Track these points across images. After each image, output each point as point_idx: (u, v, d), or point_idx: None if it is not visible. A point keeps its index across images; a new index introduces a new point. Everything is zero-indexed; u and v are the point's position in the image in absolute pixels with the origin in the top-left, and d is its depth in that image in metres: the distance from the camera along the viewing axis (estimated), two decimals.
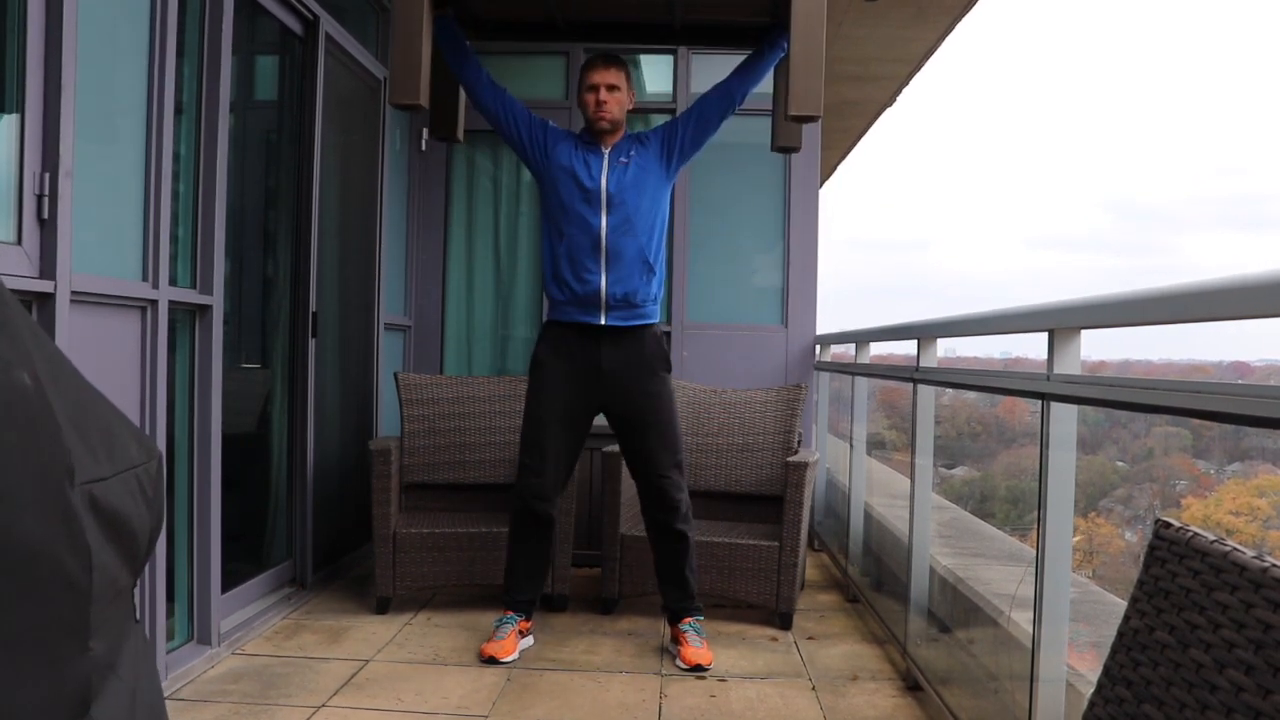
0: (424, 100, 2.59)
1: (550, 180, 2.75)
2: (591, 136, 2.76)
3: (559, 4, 2.96)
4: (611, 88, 2.72)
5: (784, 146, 2.98)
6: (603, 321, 2.71)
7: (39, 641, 0.62)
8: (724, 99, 2.76)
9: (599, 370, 2.74)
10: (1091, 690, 0.99)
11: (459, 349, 4.32)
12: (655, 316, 2.80)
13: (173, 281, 2.38)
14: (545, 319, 2.90)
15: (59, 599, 0.64)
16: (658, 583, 2.86)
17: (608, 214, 2.69)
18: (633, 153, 2.75)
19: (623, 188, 2.70)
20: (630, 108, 2.80)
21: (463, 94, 2.99)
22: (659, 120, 4.24)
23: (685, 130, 2.76)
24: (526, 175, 4.29)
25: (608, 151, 2.75)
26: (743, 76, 2.77)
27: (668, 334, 4.08)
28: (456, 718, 2.27)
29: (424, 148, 4.27)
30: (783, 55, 2.73)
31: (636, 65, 4.29)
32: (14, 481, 0.59)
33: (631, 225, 2.70)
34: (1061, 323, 1.66)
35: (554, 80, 4.26)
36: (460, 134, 3.06)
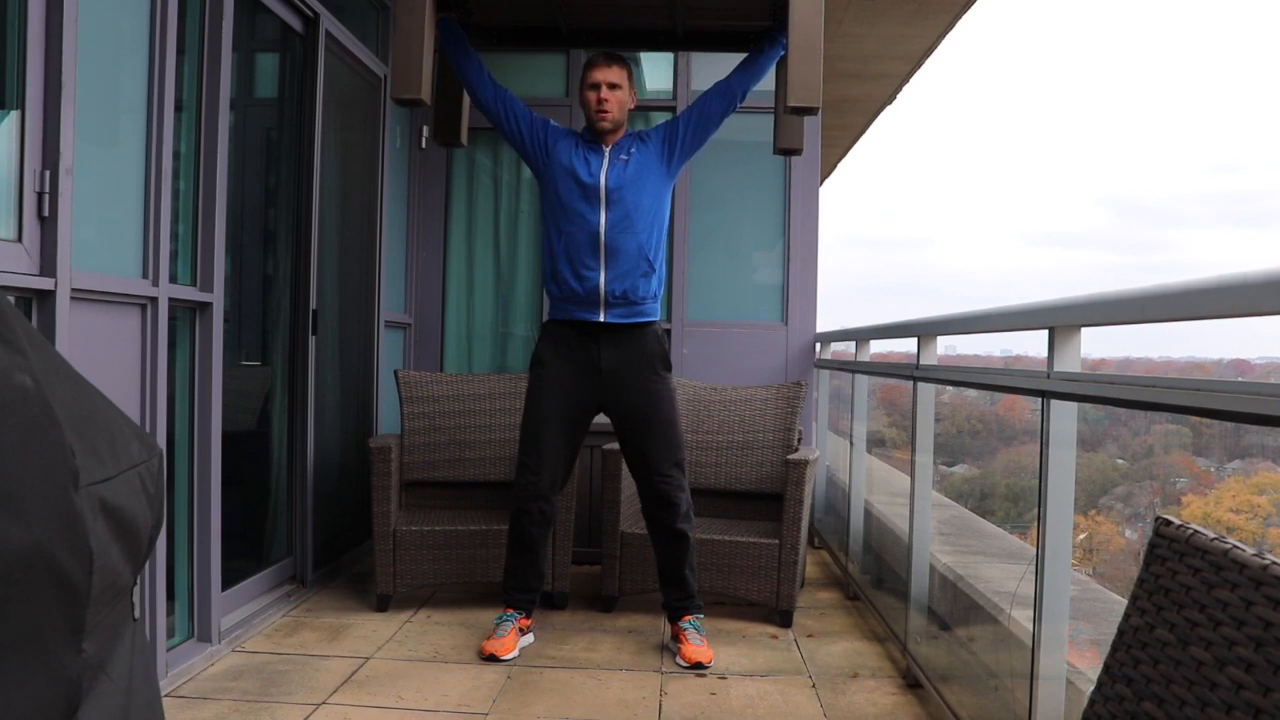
0: (425, 94, 2.59)
1: (550, 178, 2.75)
2: (593, 135, 2.76)
3: (561, 10, 2.95)
4: (613, 86, 2.71)
5: (786, 149, 2.97)
6: (602, 319, 2.71)
7: (32, 644, 0.62)
8: (725, 96, 2.76)
9: (598, 369, 2.74)
10: (1092, 688, 0.99)
11: (459, 347, 4.32)
12: (655, 314, 2.80)
13: (173, 279, 2.38)
14: (545, 318, 2.90)
15: (56, 602, 0.64)
16: (658, 581, 2.86)
17: (607, 210, 2.69)
18: (633, 150, 2.75)
19: (622, 184, 2.70)
20: (632, 106, 2.80)
21: (467, 99, 2.99)
22: (660, 118, 4.24)
23: (686, 128, 2.76)
24: (527, 173, 4.29)
25: (608, 149, 2.75)
26: (743, 74, 2.77)
27: (668, 331, 4.08)
28: (457, 715, 2.27)
29: (424, 146, 4.27)
30: (783, 53, 2.74)
31: (637, 64, 4.29)
32: (15, 483, 0.59)
33: (631, 222, 2.69)
34: (1062, 320, 1.66)
35: (554, 78, 4.26)
36: (464, 138, 3.06)
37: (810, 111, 2.54)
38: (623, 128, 2.79)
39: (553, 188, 2.75)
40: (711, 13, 2.93)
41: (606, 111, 2.71)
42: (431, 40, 2.63)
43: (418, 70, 2.56)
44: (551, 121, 2.81)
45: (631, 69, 2.79)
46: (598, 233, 2.69)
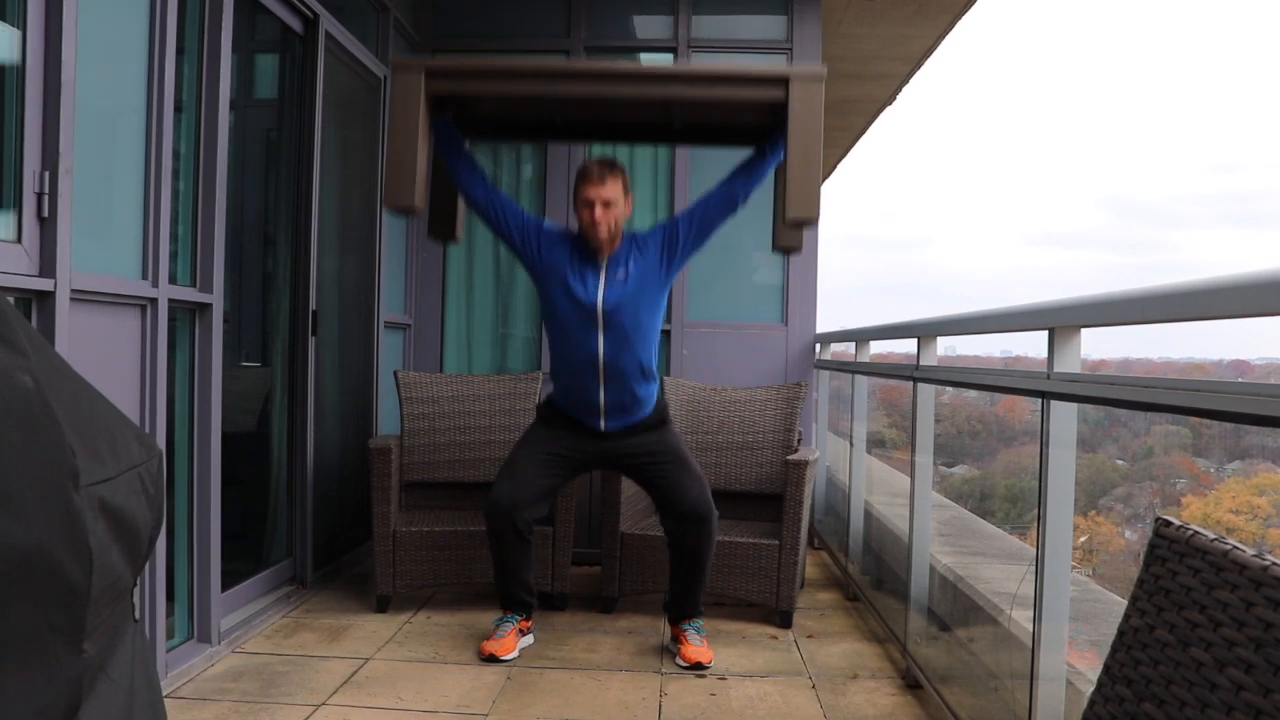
0: (419, 203, 2.60)
1: (544, 286, 2.72)
2: (587, 245, 2.69)
3: (557, 107, 2.87)
4: (608, 204, 2.61)
5: (784, 247, 2.91)
6: (602, 427, 2.74)
7: (32, 645, 0.62)
8: (727, 203, 2.69)
9: (600, 436, 2.76)
10: (1092, 689, 0.99)
11: (459, 347, 4.32)
12: (653, 403, 2.79)
13: (173, 280, 2.38)
14: (549, 395, 2.88)
15: (56, 602, 0.64)
16: (669, 585, 2.83)
17: (605, 334, 2.65)
18: (631, 265, 2.67)
19: (620, 306, 2.64)
20: (628, 215, 2.71)
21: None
22: None
23: (687, 235, 2.69)
24: (527, 173, 4.29)
25: (604, 263, 2.68)
26: (745, 179, 2.70)
27: (667, 332, 4.08)
28: (456, 716, 2.27)
29: None
30: (783, 157, 2.64)
31: (636, 61, 4.29)
32: (15, 483, 0.59)
33: (630, 342, 2.66)
34: (1062, 321, 1.66)
35: None
36: (459, 235, 3.03)
37: (809, 224, 2.55)
38: (618, 238, 2.70)
39: (547, 295, 2.71)
40: (708, 109, 2.82)
41: (601, 231, 2.62)
42: (426, 146, 2.62)
43: (411, 178, 2.56)
44: (545, 223, 2.75)
45: (626, 177, 2.70)
46: (596, 356, 2.66)
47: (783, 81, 2.55)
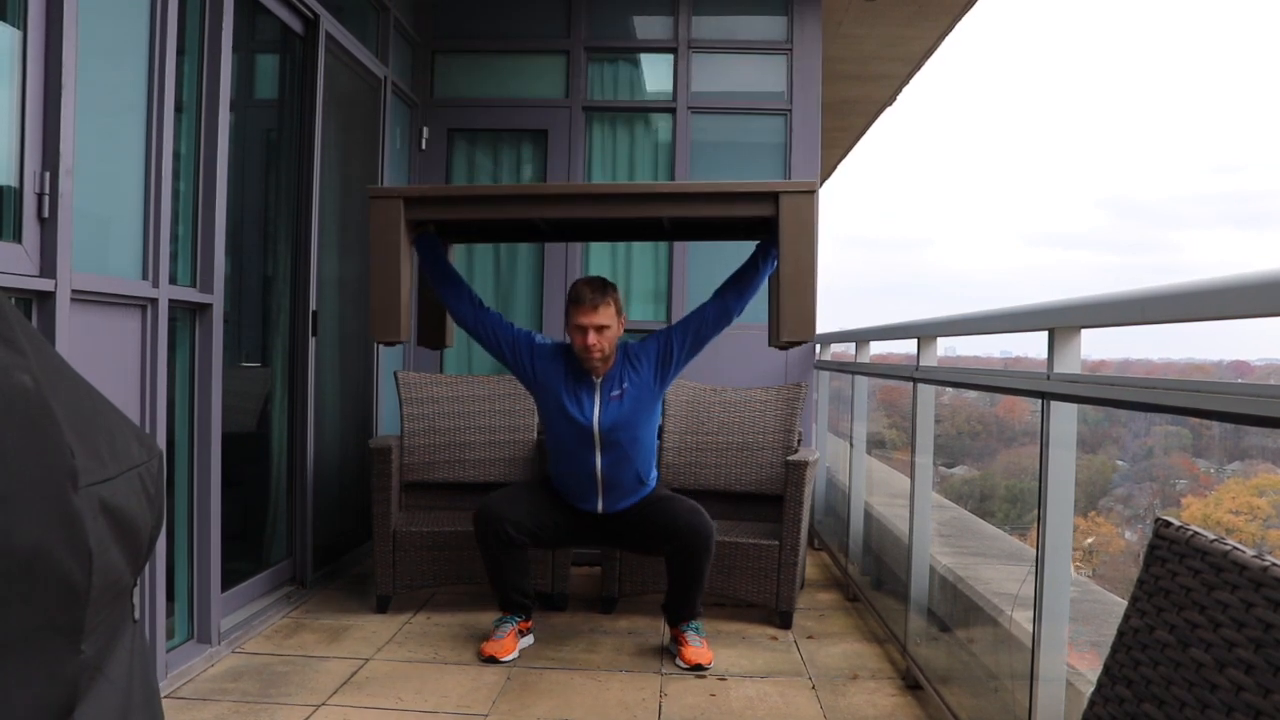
0: (405, 336, 2.63)
1: (540, 401, 2.77)
2: (582, 363, 2.69)
3: (541, 212, 2.75)
4: (601, 329, 2.63)
5: (786, 344, 2.77)
6: (600, 511, 2.79)
7: (30, 645, 0.62)
8: (721, 317, 2.70)
9: (597, 518, 2.82)
10: (1092, 689, 0.99)
11: (459, 348, 4.32)
12: (650, 492, 2.83)
13: (173, 280, 2.38)
14: (548, 474, 2.91)
15: (55, 602, 0.64)
16: (667, 590, 2.83)
17: (602, 453, 2.70)
18: (626, 384, 2.69)
19: (617, 426, 2.67)
20: (621, 334, 2.72)
21: None
22: (659, 120, 4.25)
23: (681, 349, 2.71)
24: (527, 174, 4.29)
25: (599, 382, 2.69)
26: (739, 291, 2.70)
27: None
28: (456, 717, 2.27)
29: (424, 146, 4.27)
30: (776, 265, 2.63)
31: (636, 65, 4.29)
32: (14, 483, 0.59)
33: (629, 458, 2.71)
34: (1061, 322, 1.66)
35: (554, 80, 4.26)
36: (450, 341, 3.05)
37: (802, 344, 2.57)
38: (612, 356, 2.70)
39: (544, 411, 2.77)
40: (696, 214, 2.76)
41: (595, 355, 2.64)
42: (409, 270, 2.63)
43: (396, 312, 2.58)
44: (536, 338, 2.76)
45: (619, 298, 2.70)
46: (595, 473, 2.72)
47: (772, 197, 2.53)
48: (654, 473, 2.87)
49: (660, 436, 3.13)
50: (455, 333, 3.10)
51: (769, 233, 2.66)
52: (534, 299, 4.28)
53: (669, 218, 2.74)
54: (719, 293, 2.73)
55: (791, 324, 2.51)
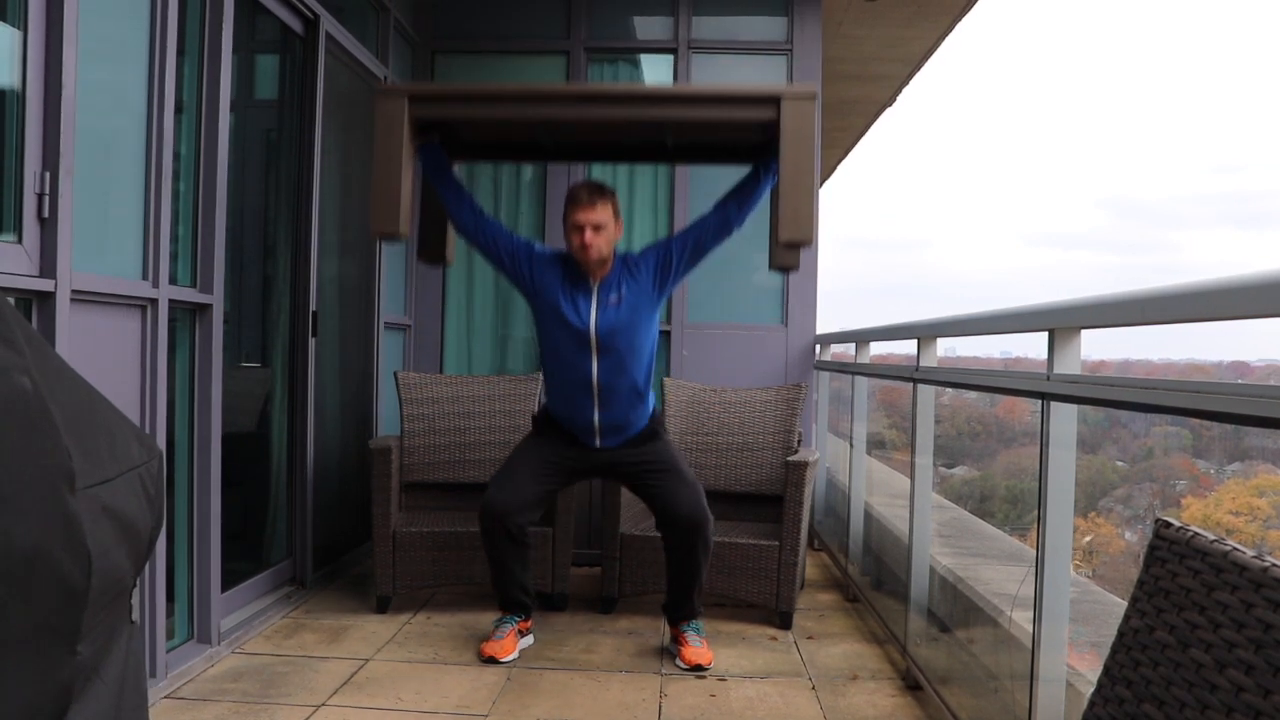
0: (404, 229, 2.60)
1: (537, 309, 2.73)
2: (579, 268, 2.68)
3: (545, 130, 2.83)
4: (598, 227, 2.60)
5: (781, 266, 2.89)
6: (597, 444, 2.76)
7: (28, 646, 0.62)
8: (721, 227, 2.68)
9: (594, 450, 2.78)
10: (1092, 690, 0.99)
11: (459, 348, 4.32)
12: (646, 420, 2.80)
13: (173, 280, 2.38)
14: (544, 406, 2.89)
15: (54, 604, 0.64)
16: (667, 589, 2.83)
17: (599, 358, 2.66)
18: (624, 289, 2.67)
19: (614, 331, 2.65)
20: (618, 238, 2.70)
21: None
22: None
23: (680, 258, 2.69)
24: (527, 174, 4.29)
25: (596, 286, 2.67)
26: (739, 203, 2.69)
27: (666, 333, 4.08)
28: (456, 717, 2.27)
29: None
30: (776, 179, 2.64)
31: (636, 65, 4.29)
32: (13, 485, 0.59)
33: (625, 365, 2.67)
34: (1062, 322, 1.66)
35: (554, 80, 4.25)
36: (450, 257, 3.02)
37: (803, 245, 2.55)
38: (610, 261, 2.69)
39: (541, 319, 2.73)
40: (700, 129, 2.79)
41: (591, 254, 2.62)
42: (410, 172, 2.61)
43: (395, 206, 2.55)
44: (535, 246, 2.74)
45: (616, 201, 2.69)
46: (590, 378, 2.67)
47: (774, 100, 2.53)
48: (651, 395, 2.80)
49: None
50: (456, 249, 3.06)
51: (770, 150, 2.66)
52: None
53: (673, 135, 2.76)
54: (720, 203, 2.71)
55: (790, 225, 2.49)
